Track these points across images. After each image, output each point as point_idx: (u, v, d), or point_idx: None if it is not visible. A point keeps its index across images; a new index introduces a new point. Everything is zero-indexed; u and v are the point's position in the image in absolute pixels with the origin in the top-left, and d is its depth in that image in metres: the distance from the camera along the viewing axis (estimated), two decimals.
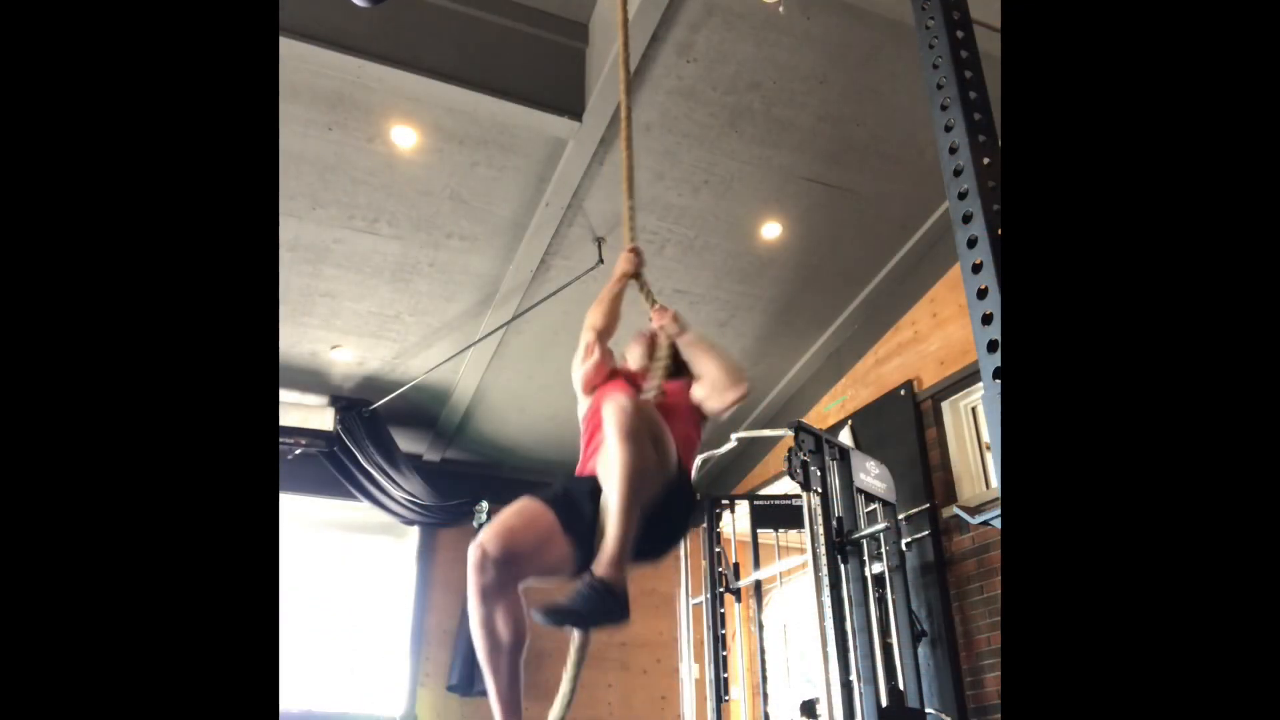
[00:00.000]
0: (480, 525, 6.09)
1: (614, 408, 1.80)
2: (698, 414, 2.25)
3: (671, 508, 1.93)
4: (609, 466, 1.77)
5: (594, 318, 2.38)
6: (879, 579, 4.16)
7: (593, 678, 5.99)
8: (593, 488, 1.92)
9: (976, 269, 1.42)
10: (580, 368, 2.35)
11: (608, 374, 2.36)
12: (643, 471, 1.76)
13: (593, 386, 2.33)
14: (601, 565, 1.71)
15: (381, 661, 5.79)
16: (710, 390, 2.18)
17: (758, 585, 5.04)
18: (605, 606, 1.66)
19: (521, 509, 1.90)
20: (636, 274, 2.48)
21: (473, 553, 1.79)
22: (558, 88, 3.95)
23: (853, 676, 3.77)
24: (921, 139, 4.24)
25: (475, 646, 1.83)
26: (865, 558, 4.06)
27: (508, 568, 1.79)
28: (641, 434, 1.78)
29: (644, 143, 4.19)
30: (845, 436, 5.29)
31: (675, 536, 2.06)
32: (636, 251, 2.50)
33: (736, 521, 5.25)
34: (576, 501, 1.92)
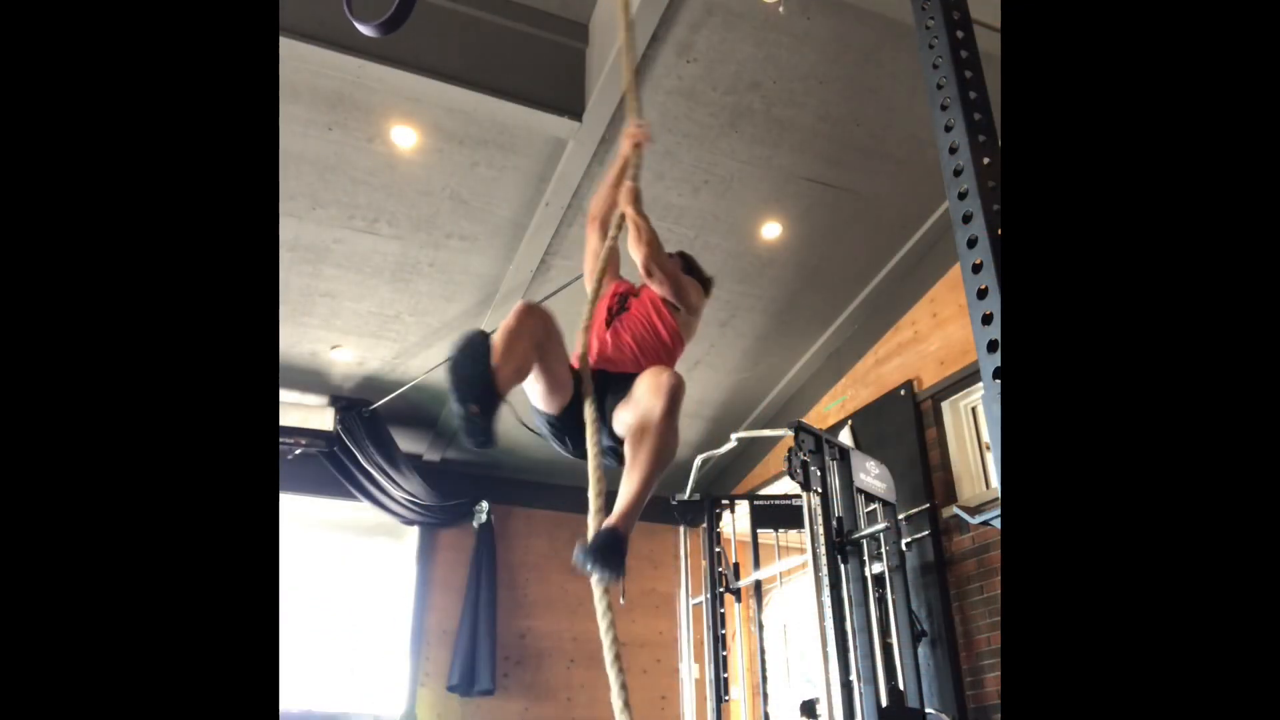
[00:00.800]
0: (479, 526, 6.10)
1: (665, 382, 1.94)
2: (668, 304, 2.51)
3: None
4: (646, 440, 1.92)
5: (592, 207, 2.69)
6: (879, 579, 4.16)
7: (592, 678, 5.99)
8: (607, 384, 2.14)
9: (976, 269, 1.42)
10: (586, 260, 2.65)
11: (612, 276, 2.59)
12: (674, 449, 1.95)
13: (597, 283, 2.47)
14: (616, 517, 1.87)
15: (381, 661, 5.79)
16: (631, 252, 2.47)
17: (758, 585, 5.04)
18: (614, 551, 1.81)
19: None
20: (641, 146, 2.61)
21: (521, 304, 2.05)
22: (558, 88, 3.95)
23: (853, 676, 3.77)
24: (921, 139, 4.24)
25: (495, 342, 1.98)
26: (865, 558, 4.06)
27: (544, 324, 2.04)
28: (679, 410, 1.95)
29: None
30: (845, 436, 5.29)
31: None
32: (643, 124, 2.64)
33: (736, 521, 5.25)
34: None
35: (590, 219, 2.73)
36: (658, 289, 2.49)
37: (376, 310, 5.05)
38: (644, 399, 1.97)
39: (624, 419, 2.06)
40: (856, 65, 3.94)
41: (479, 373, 1.84)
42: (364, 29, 2.13)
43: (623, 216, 2.51)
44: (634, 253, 2.48)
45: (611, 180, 2.70)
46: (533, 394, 2.18)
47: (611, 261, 2.57)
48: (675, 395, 1.92)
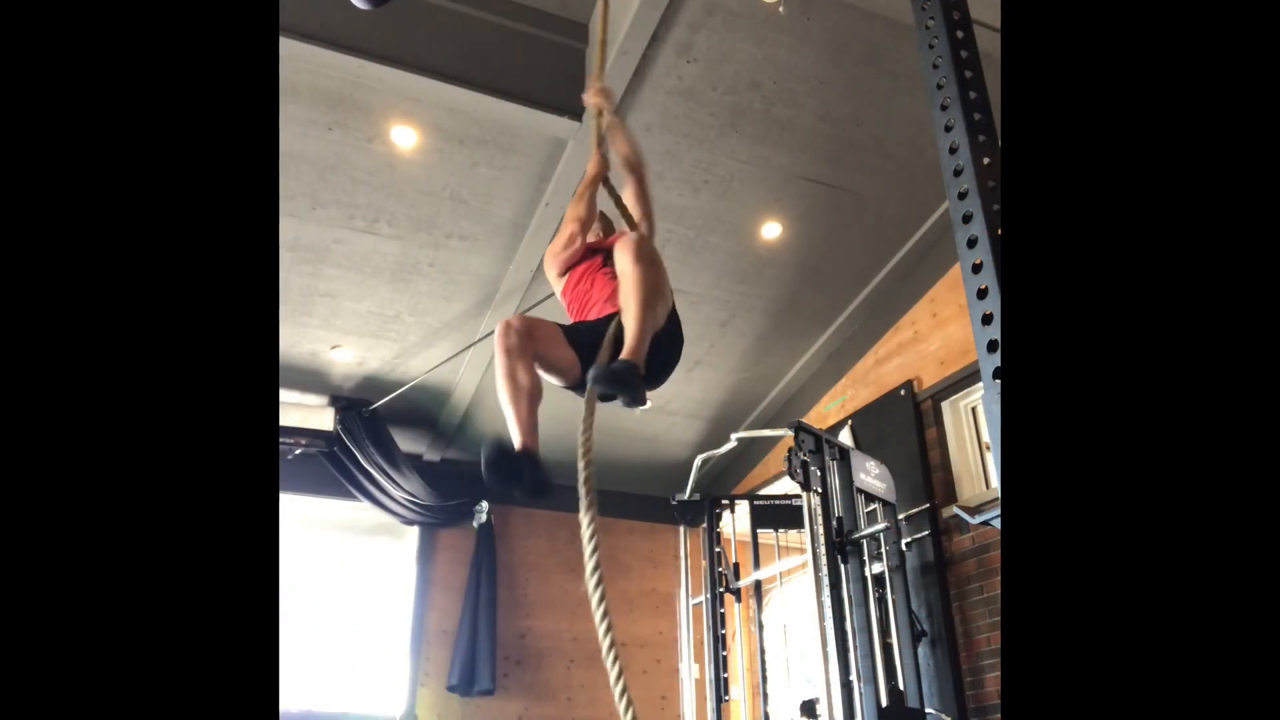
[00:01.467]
0: (479, 526, 6.10)
1: (631, 242, 2.20)
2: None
3: (670, 338, 2.35)
4: (629, 283, 2.14)
5: (577, 211, 2.76)
6: (879, 579, 4.16)
7: (592, 678, 5.99)
8: (599, 328, 2.28)
9: (976, 269, 1.43)
10: (560, 254, 2.73)
11: (581, 256, 2.75)
12: (658, 287, 2.16)
13: (567, 268, 2.71)
14: (627, 350, 2.08)
15: (381, 661, 5.79)
16: (621, 167, 2.69)
17: (758, 585, 5.04)
18: (631, 381, 2.00)
19: (540, 319, 2.31)
20: (604, 174, 2.80)
21: (500, 324, 2.20)
22: (558, 88, 3.95)
23: (853, 676, 3.78)
24: (921, 139, 4.24)
25: (500, 394, 2.18)
26: (865, 558, 4.06)
27: (526, 339, 2.19)
28: (656, 260, 2.20)
29: (644, 143, 4.18)
30: (845, 436, 5.29)
31: (672, 364, 2.42)
32: (603, 157, 2.82)
33: (736, 521, 5.25)
34: (583, 331, 2.34)
35: (574, 220, 2.79)
36: (636, 189, 2.69)
37: (376, 310, 5.05)
38: (619, 263, 2.20)
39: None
40: (856, 65, 3.94)
41: (509, 463, 2.06)
42: (356, 1, 2.22)
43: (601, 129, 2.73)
44: (624, 163, 2.68)
45: (585, 194, 2.81)
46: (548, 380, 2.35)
47: (590, 224, 2.76)
48: (638, 243, 2.19)
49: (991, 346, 1.35)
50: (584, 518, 1.73)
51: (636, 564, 6.53)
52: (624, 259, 2.18)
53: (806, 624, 4.57)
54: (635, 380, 2.02)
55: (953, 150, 1.56)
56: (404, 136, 4.05)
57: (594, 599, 1.65)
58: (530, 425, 2.19)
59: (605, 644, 1.64)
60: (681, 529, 5.25)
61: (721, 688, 4.71)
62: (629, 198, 2.76)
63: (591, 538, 1.71)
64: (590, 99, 2.85)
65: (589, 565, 1.68)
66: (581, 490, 1.76)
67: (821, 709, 3.78)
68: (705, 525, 5.04)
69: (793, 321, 5.49)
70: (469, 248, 4.69)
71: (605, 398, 2.02)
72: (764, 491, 5.98)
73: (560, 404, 6.11)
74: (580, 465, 1.81)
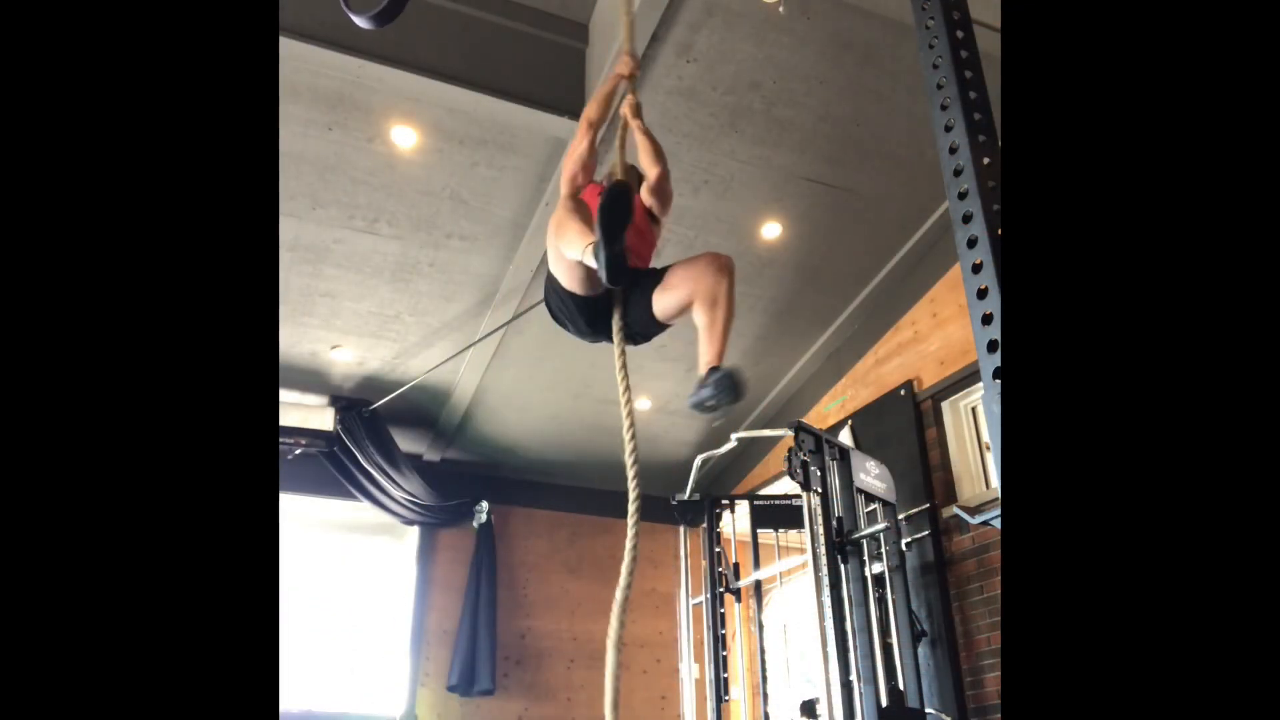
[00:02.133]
0: (479, 525, 6.10)
1: (726, 264, 2.42)
2: (649, 215, 2.81)
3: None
4: (720, 311, 2.39)
5: (589, 111, 2.82)
6: (879, 579, 4.16)
7: (592, 678, 5.99)
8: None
9: (976, 269, 1.43)
10: (569, 159, 2.78)
11: (589, 178, 2.82)
12: (733, 310, 2.41)
13: (577, 186, 2.75)
14: (716, 358, 2.34)
15: (381, 661, 5.79)
16: (644, 168, 2.80)
17: (758, 585, 5.04)
18: (738, 384, 2.26)
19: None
20: (631, 77, 2.84)
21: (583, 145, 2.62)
22: (558, 88, 3.95)
23: (853, 676, 3.77)
24: (921, 139, 4.24)
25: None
26: (865, 558, 4.06)
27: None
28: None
29: None
30: (845, 436, 5.29)
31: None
32: (634, 56, 2.85)
33: (736, 521, 5.25)
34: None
35: (585, 123, 2.81)
36: (656, 200, 2.77)
37: (376, 310, 5.05)
38: (709, 277, 2.40)
39: (672, 298, 2.45)
40: (856, 65, 3.94)
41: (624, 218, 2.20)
42: (358, 20, 2.16)
43: (625, 125, 2.79)
44: (649, 168, 2.76)
45: (604, 92, 2.86)
46: (571, 279, 2.47)
47: (588, 167, 2.82)
48: (733, 270, 2.44)
49: (991, 346, 1.35)
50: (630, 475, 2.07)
51: (637, 564, 6.53)
52: (716, 277, 2.36)
53: (806, 624, 4.57)
54: (738, 383, 2.27)
55: (953, 150, 1.56)
56: (404, 136, 4.05)
57: (621, 590, 1.77)
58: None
59: (612, 640, 1.71)
60: (681, 529, 5.25)
61: (721, 688, 4.71)
62: (642, 156, 2.83)
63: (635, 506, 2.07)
64: (622, 69, 2.86)
65: (630, 531, 2.05)
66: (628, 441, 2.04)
67: (821, 709, 3.77)
68: (705, 525, 5.04)
69: (793, 321, 5.49)
70: (469, 248, 4.69)
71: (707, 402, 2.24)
72: (764, 491, 5.98)
73: (559, 403, 6.11)
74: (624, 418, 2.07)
